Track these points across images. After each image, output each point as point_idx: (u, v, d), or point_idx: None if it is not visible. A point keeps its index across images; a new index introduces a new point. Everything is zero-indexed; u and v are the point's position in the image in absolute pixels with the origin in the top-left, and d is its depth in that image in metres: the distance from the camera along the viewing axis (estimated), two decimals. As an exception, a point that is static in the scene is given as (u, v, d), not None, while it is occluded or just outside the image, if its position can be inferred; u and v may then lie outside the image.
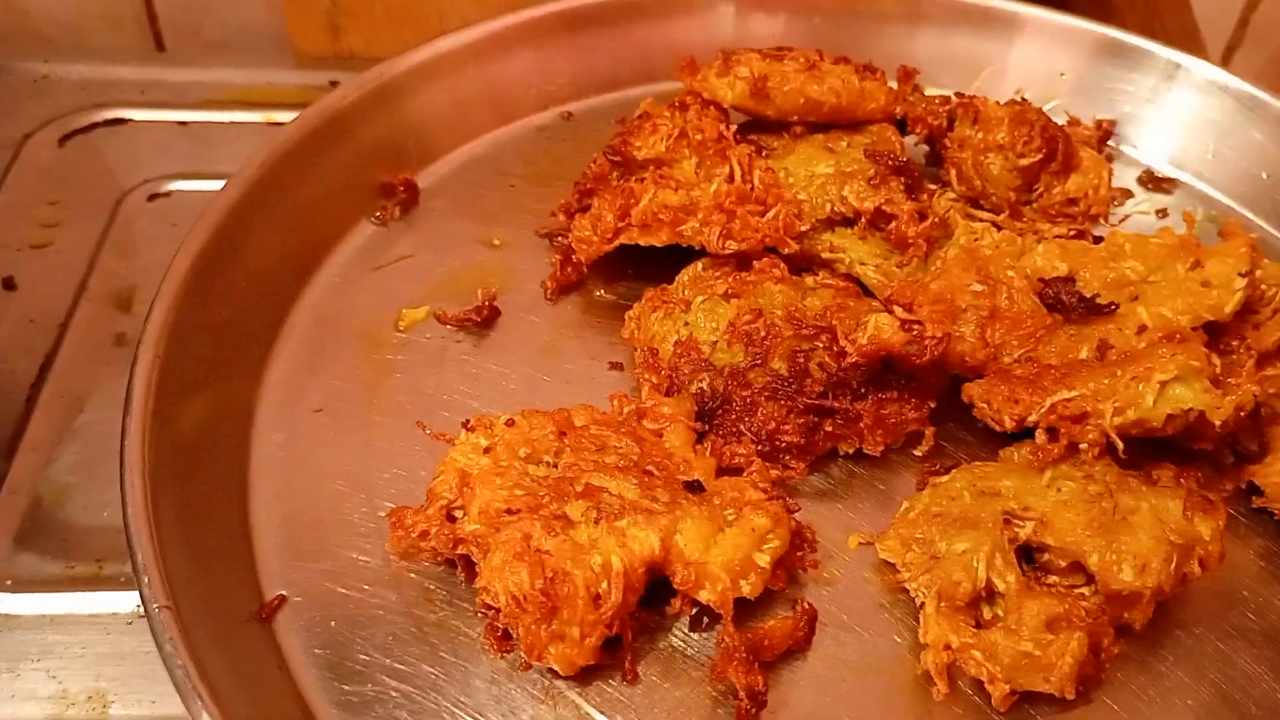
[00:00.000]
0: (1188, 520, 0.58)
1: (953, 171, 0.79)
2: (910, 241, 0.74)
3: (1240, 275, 0.65)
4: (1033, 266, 0.69)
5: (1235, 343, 0.66)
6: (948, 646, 0.56)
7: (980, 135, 0.77)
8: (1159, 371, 0.59)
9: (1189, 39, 1.16)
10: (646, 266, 0.77)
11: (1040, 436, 0.61)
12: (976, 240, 0.73)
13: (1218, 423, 0.59)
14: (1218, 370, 0.61)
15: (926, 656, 0.57)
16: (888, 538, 0.61)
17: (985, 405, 0.63)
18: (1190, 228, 0.70)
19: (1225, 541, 0.59)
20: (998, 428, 0.63)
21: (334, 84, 1.05)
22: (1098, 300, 0.66)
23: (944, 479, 0.63)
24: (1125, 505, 0.58)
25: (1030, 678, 0.56)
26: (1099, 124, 0.84)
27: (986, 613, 0.58)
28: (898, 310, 0.66)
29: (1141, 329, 0.65)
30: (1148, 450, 0.64)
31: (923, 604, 0.58)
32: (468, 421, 0.62)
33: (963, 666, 0.56)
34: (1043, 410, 0.61)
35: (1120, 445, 0.60)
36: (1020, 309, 0.67)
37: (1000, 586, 0.57)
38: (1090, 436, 0.60)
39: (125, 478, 0.57)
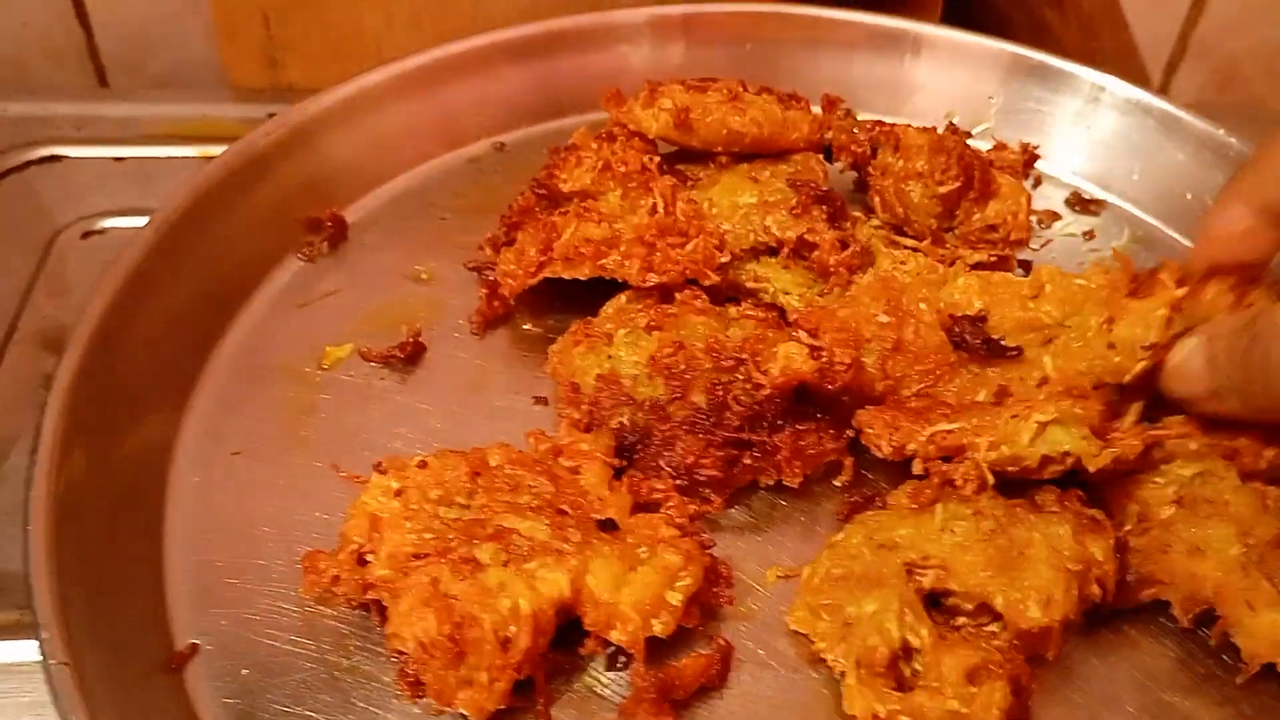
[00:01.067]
0: (1079, 543, 0.58)
1: (876, 199, 0.80)
2: (832, 270, 0.74)
3: (1143, 348, 0.64)
4: (948, 300, 0.69)
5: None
6: (875, 716, 0.55)
7: (901, 163, 0.78)
8: (1038, 412, 0.59)
9: (1127, 58, 1.17)
10: (575, 299, 0.77)
11: (917, 465, 0.61)
12: (901, 265, 0.73)
13: (1093, 469, 0.59)
14: (1106, 420, 0.61)
15: None
16: (796, 608, 0.61)
17: (869, 430, 0.63)
18: (1128, 268, 0.68)
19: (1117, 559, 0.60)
20: (877, 454, 0.64)
21: (271, 116, 1.05)
22: (1003, 343, 0.67)
23: (839, 537, 0.63)
24: (1019, 539, 0.58)
25: None
26: (1024, 147, 0.85)
27: (905, 670, 0.58)
28: (802, 335, 0.66)
29: (1043, 381, 0.65)
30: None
31: (842, 674, 0.57)
32: (379, 463, 0.62)
33: None
34: (921, 439, 0.61)
35: (991, 481, 0.60)
36: (925, 344, 0.67)
37: (915, 642, 0.57)
38: (962, 471, 0.60)
39: (30, 528, 0.57)
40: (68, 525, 0.59)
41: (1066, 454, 0.59)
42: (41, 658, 0.52)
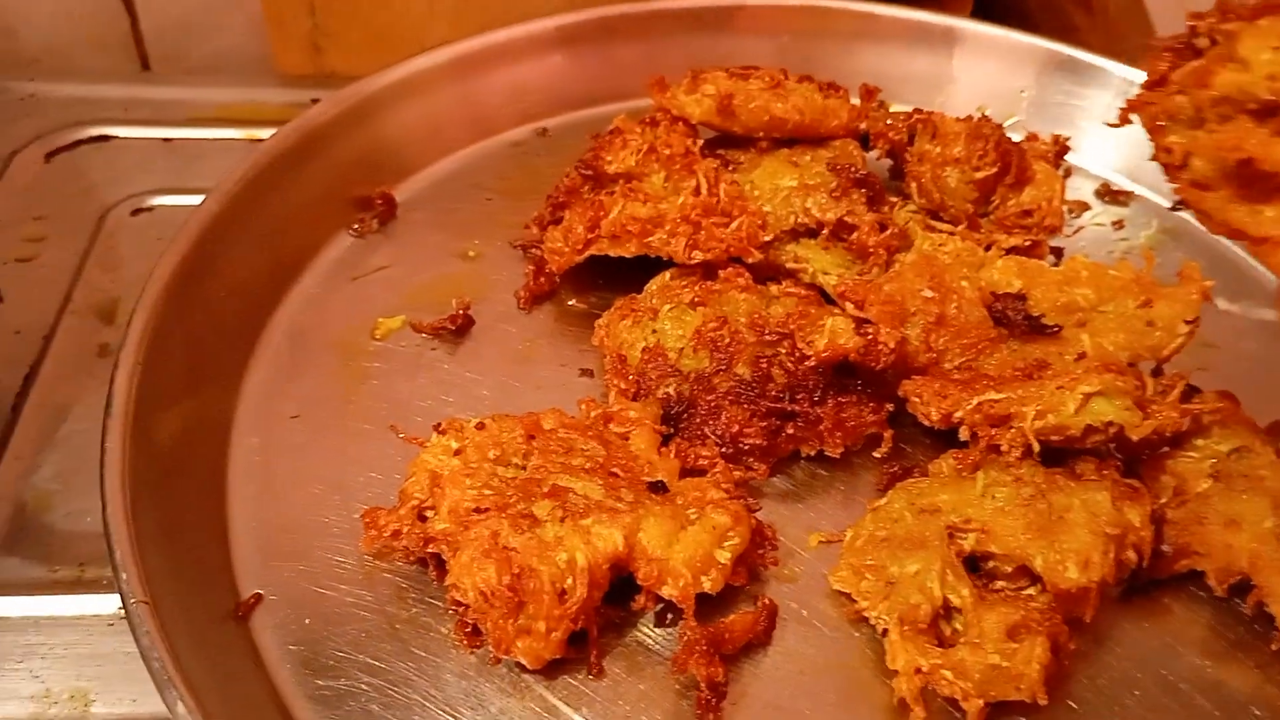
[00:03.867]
0: (1118, 510, 0.60)
1: (913, 185, 0.82)
2: (871, 251, 0.76)
3: (1185, 322, 0.67)
4: (988, 280, 0.71)
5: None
6: (918, 670, 0.57)
7: (938, 149, 0.80)
8: (1084, 384, 0.61)
9: (1150, 58, 1.19)
10: (617, 276, 0.79)
11: (963, 432, 0.63)
12: (941, 247, 0.76)
13: (1135, 439, 0.61)
14: (1145, 394, 0.63)
15: (900, 683, 0.57)
16: (839, 569, 0.63)
17: (916, 399, 0.65)
18: (1149, 265, 0.71)
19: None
20: (925, 421, 0.66)
21: (315, 101, 1.08)
22: (1043, 321, 0.69)
23: (882, 501, 0.65)
24: (1058, 504, 0.60)
25: (1002, 688, 0.57)
26: (1055, 139, 0.87)
27: (945, 629, 0.60)
28: (848, 306, 0.68)
29: (1080, 356, 0.67)
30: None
31: (885, 630, 0.59)
32: (439, 424, 0.64)
33: (934, 688, 0.57)
34: (969, 407, 0.63)
35: (1037, 448, 0.62)
36: (967, 319, 0.69)
37: (956, 601, 0.59)
38: (1009, 437, 0.62)
39: (105, 479, 0.59)
40: (138, 479, 0.61)
41: (1110, 424, 0.61)
42: (120, 598, 0.54)
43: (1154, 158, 0.55)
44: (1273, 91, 0.49)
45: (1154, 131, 0.55)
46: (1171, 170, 0.55)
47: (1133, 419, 0.61)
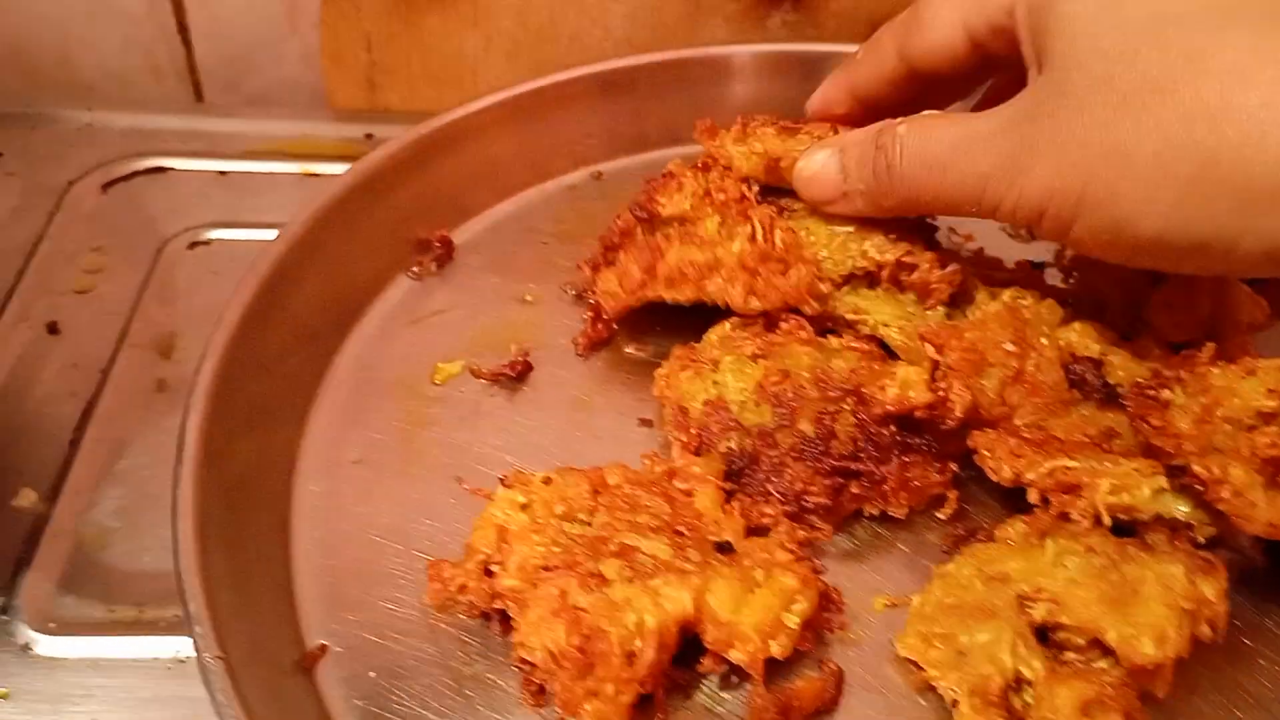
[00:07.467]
0: (1192, 583, 0.59)
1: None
2: (933, 286, 0.75)
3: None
4: (1067, 340, 0.71)
5: None
6: None
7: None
8: (1162, 478, 0.61)
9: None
10: (674, 324, 0.78)
11: (1033, 495, 0.63)
12: (1020, 300, 0.75)
13: (1203, 539, 0.61)
14: None
15: None
16: (906, 635, 0.62)
17: (988, 453, 0.64)
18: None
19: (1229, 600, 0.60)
20: (994, 477, 0.65)
21: (369, 136, 1.09)
22: (1119, 390, 0.68)
23: (950, 567, 0.64)
24: (1132, 576, 0.59)
25: None
26: None
27: (1015, 701, 0.59)
28: (927, 349, 0.68)
29: None
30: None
31: (954, 702, 0.58)
32: (505, 478, 0.64)
33: None
34: (1042, 471, 0.62)
35: (1108, 521, 0.61)
36: (1044, 379, 0.68)
37: (1028, 674, 0.58)
38: (1080, 506, 0.61)
39: (178, 527, 0.59)
40: (207, 526, 0.61)
41: (1177, 520, 0.61)
42: (195, 652, 0.54)
43: (1194, 481, 0.59)
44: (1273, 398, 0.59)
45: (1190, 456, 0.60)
46: (1213, 486, 0.58)
47: (1203, 518, 0.61)
